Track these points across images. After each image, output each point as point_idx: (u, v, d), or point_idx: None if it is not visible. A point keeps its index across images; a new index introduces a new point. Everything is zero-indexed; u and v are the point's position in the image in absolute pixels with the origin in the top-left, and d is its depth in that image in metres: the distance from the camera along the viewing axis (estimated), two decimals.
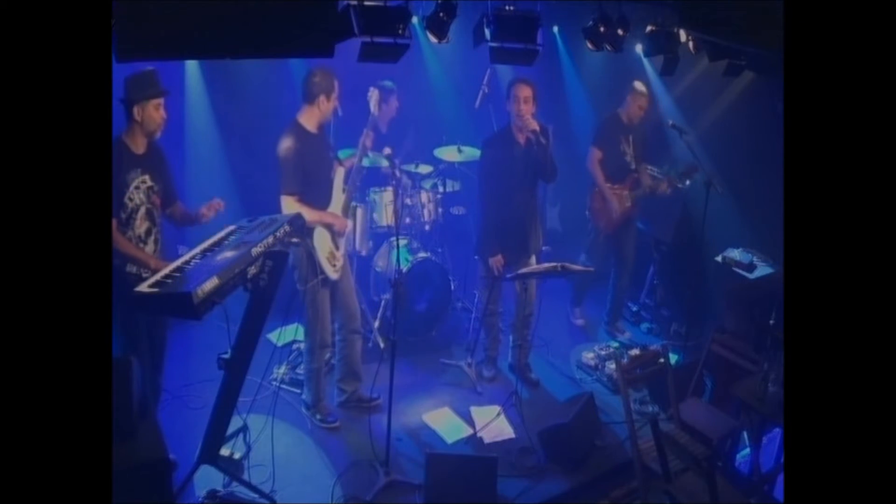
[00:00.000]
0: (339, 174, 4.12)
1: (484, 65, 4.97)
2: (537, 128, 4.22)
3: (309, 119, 3.91)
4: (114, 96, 3.15)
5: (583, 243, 5.55)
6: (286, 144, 3.82)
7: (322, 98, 3.86)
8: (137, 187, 3.36)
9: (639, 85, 5.11)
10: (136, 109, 3.27)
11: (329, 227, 4.02)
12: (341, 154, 4.29)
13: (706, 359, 4.25)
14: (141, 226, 3.41)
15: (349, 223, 4.29)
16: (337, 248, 4.10)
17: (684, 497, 3.34)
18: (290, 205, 3.82)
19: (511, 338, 4.94)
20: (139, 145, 3.37)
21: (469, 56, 5.13)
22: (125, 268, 3.32)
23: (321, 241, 3.98)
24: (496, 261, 4.51)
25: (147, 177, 3.40)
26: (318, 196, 3.98)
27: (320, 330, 4.10)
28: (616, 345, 5.23)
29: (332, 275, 4.05)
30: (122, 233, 3.34)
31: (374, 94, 4.23)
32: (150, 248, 3.46)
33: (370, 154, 4.68)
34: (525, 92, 4.26)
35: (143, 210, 3.39)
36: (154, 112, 3.30)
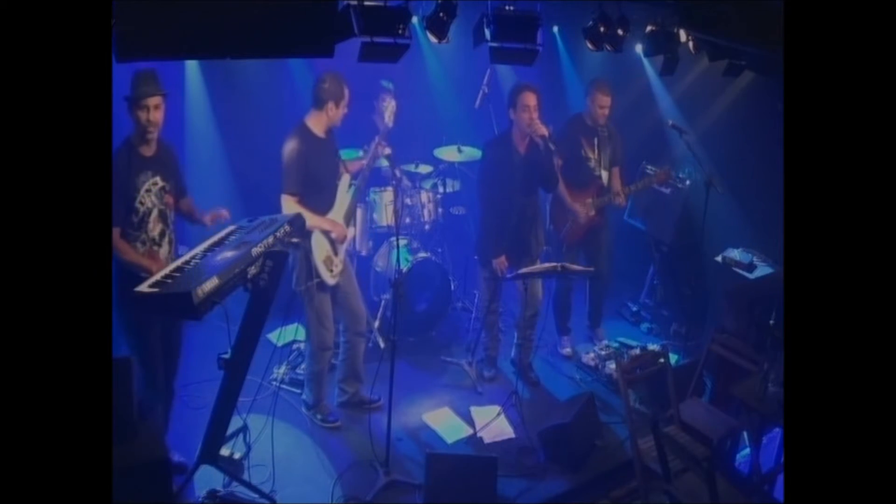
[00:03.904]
0: (345, 180, 4.10)
1: (484, 65, 4.96)
2: (546, 133, 4.18)
3: (316, 123, 3.89)
4: (118, 96, 3.15)
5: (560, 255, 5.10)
6: (290, 145, 3.81)
7: (331, 104, 3.84)
8: (149, 190, 3.29)
9: (598, 83, 4.80)
10: (134, 108, 3.19)
11: (327, 233, 4.00)
12: (342, 155, 4.27)
13: (706, 359, 4.24)
14: (154, 228, 3.35)
15: (349, 232, 4.24)
16: (336, 253, 4.07)
17: (684, 497, 3.34)
18: (289, 205, 3.81)
19: (515, 335, 4.94)
20: (148, 147, 3.30)
21: (469, 56, 5.12)
22: (137, 272, 3.26)
23: (319, 246, 3.96)
24: (500, 262, 4.49)
25: (158, 177, 3.34)
26: (320, 200, 3.96)
27: (320, 331, 4.09)
28: (616, 345, 5.23)
29: (329, 280, 4.03)
30: (136, 237, 3.29)
31: (389, 105, 4.10)
32: (164, 249, 3.41)
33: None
34: (532, 100, 4.20)
35: (155, 212, 3.33)
36: (154, 112, 3.20)
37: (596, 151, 4.88)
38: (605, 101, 4.77)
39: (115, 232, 3.21)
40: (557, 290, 5.23)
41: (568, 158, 4.83)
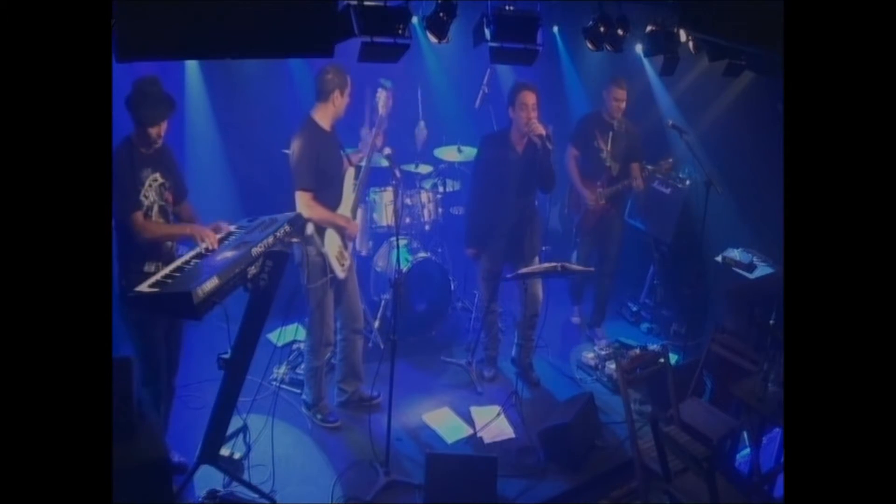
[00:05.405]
0: (350, 173, 4.11)
1: (484, 65, 4.97)
2: (544, 132, 4.19)
3: (323, 116, 3.90)
4: (118, 95, 3.17)
5: (574, 243, 5.47)
6: (300, 141, 3.82)
7: (336, 94, 3.86)
8: (150, 185, 3.36)
9: (615, 81, 5.00)
10: (144, 123, 3.25)
11: (340, 229, 4.02)
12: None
13: (706, 359, 4.24)
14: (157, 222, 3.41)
15: (359, 226, 4.27)
16: (346, 247, 4.11)
17: (684, 497, 3.34)
18: (305, 201, 3.82)
19: (515, 335, 4.94)
20: (146, 145, 3.35)
21: (469, 56, 5.11)
22: (142, 267, 3.30)
23: (331, 241, 3.99)
24: (471, 253, 4.63)
25: (158, 174, 3.40)
26: (330, 195, 3.98)
27: (323, 328, 4.10)
28: (616, 345, 5.23)
29: (341, 274, 4.06)
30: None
31: (382, 95, 4.16)
32: (166, 244, 3.44)
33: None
34: (531, 99, 4.22)
35: (156, 208, 3.39)
36: (162, 126, 3.28)
37: (609, 144, 5.06)
38: (621, 94, 4.96)
39: (138, 215, 3.27)
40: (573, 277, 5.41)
41: (583, 149, 5.14)
